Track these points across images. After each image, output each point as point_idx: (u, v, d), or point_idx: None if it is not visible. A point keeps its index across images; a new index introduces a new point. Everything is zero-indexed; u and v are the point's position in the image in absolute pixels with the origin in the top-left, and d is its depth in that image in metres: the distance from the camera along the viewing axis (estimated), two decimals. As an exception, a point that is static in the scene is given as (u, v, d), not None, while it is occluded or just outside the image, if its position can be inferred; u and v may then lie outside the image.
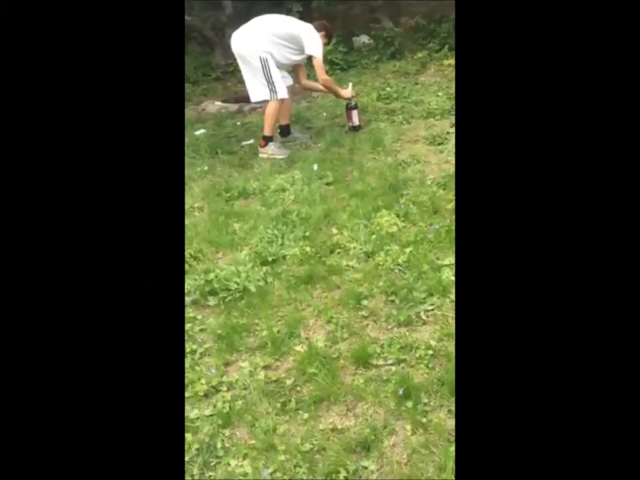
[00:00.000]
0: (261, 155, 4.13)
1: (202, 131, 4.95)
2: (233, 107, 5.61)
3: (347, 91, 4.45)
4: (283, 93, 4.09)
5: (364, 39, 6.84)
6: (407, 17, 7.04)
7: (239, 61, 4.20)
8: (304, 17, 6.68)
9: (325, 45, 4.39)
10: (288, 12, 6.56)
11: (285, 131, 4.43)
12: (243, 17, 6.83)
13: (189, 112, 5.61)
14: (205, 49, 6.75)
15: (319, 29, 4.23)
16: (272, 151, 4.12)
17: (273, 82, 4.03)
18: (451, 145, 3.89)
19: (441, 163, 3.65)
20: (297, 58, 4.23)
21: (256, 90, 4.12)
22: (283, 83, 4.11)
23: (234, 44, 4.14)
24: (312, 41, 4.10)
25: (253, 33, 4.10)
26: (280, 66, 4.10)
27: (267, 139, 4.15)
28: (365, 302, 2.32)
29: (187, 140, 4.53)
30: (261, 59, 4.00)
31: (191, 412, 1.89)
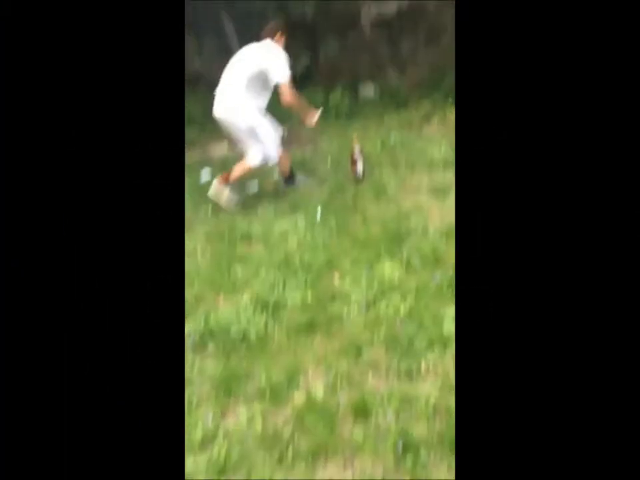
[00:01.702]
0: (210, 194, 4.11)
1: (207, 170, 5.01)
2: (239, 150, 5.68)
3: (312, 117, 4.25)
4: (275, 157, 4.16)
5: (369, 88, 6.99)
6: (412, 68, 7.19)
7: (229, 128, 4.15)
8: (311, 66, 6.86)
9: (285, 45, 4.18)
10: (294, 62, 6.72)
11: (289, 180, 4.44)
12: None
13: (195, 154, 5.69)
14: (214, 93, 6.87)
15: (273, 32, 4.10)
16: (226, 196, 4.11)
17: (265, 145, 4.08)
18: (452, 196, 3.92)
19: (443, 213, 3.68)
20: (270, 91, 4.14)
21: (250, 155, 4.14)
22: (274, 145, 4.14)
23: (218, 113, 4.10)
24: (278, 66, 3.95)
25: (234, 96, 4.03)
26: (264, 110, 4.11)
27: (227, 182, 4.13)
28: (365, 351, 2.31)
29: (191, 182, 4.58)
30: (250, 126, 4.01)
31: (186, 460, 1.86)
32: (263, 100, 4.12)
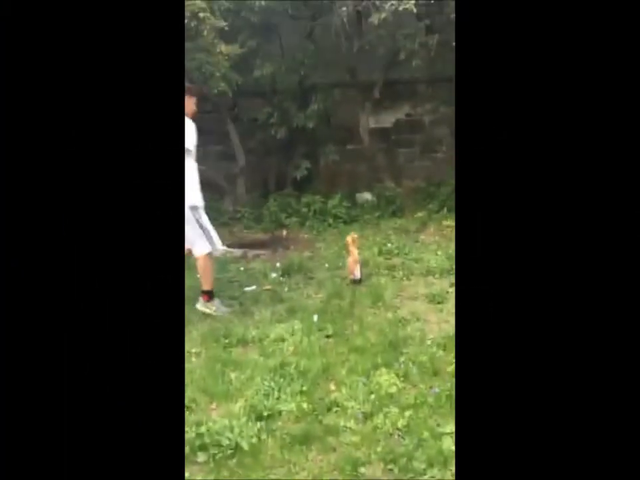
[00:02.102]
0: (201, 308, 3.95)
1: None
2: (238, 251, 5.74)
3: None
4: (219, 243, 4.04)
5: (367, 195, 7.19)
6: (408, 178, 7.45)
7: None
8: (313, 175, 7.10)
9: (196, 107, 3.96)
10: (296, 168, 6.97)
11: (209, 298, 4.06)
12: (255, 169, 7.26)
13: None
14: (215, 196, 7.07)
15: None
16: (216, 307, 3.98)
17: (208, 231, 3.95)
18: (450, 305, 3.93)
19: (440, 322, 3.67)
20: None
21: (197, 248, 3.93)
22: (215, 231, 4.02)
23: None
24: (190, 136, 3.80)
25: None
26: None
27: (209, 294, 4.01)
28: (362, 469, 2.21)
29: (189, 282, 4.59)
30: (190, 209, 3.79)
31: None
32: (196, 178, 3.91)
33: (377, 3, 5.78)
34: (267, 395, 2.80)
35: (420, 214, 6.52)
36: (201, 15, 5.27)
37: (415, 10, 5.71)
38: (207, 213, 4.07)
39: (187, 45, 5.54)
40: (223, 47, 5.61)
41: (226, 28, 5.61)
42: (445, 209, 6.52)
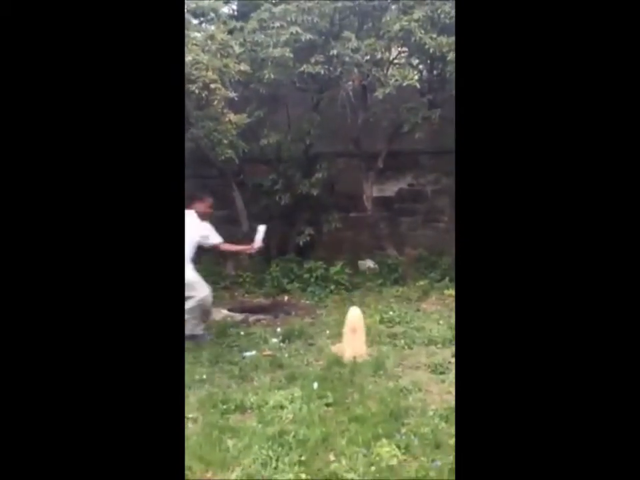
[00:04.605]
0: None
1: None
2: (239, 316, 5.72)
3: (256, 242, 5.03)
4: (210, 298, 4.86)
5: (369, 263, 7.22)
6: (411, 247, 7.50)
7: None
8: (316, 241, 7.15)
9: (210, 210, 5.08)
10: (299, 234, 7.03)
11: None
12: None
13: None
14: (219, 260, 7.10)
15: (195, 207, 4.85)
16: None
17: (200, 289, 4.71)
18: (452, 376, 3.87)
19: (442, 393, 3.61)
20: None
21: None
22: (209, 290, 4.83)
23: None
24: (210, 235, 4.93)
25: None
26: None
27: None
28: None
29: (188, 345, 4.55)
30: (190, 282, 4.45)
31: None
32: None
33: (382, 78, 6.01)
34: (264, 464, 2.72)
35: (422, 282, 6.53)
36: (212, 85, 5.45)
37: (418, 86, 5.94)
38: (207, 277, 5.09)
39: (197, 113, 5.73)
40: (231, 116, 5.77)
41: (235, 98, 5.80)
42: (447, 278, 6.53)
